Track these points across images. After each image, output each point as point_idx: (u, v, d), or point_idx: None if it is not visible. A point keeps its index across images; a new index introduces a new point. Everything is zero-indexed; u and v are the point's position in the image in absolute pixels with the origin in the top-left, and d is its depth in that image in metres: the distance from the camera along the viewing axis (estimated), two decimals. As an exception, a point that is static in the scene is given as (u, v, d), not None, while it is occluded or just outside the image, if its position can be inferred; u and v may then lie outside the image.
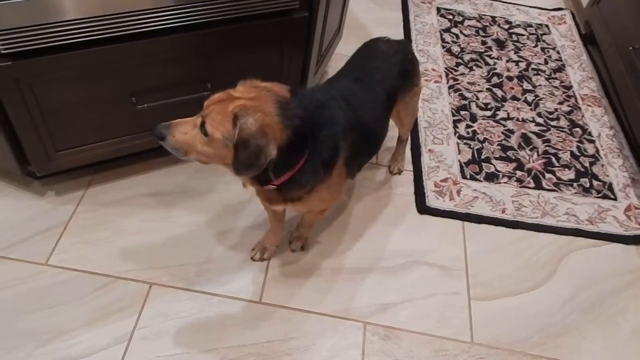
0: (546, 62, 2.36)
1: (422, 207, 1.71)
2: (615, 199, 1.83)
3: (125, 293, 1.39)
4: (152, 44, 1.32)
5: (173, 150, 1.11)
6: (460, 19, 2.54)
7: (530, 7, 2.68)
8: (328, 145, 1.15)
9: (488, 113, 2.08)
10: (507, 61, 2.34)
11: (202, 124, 1.04)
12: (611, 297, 1.56)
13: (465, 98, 2.13)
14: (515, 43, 2.44)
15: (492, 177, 1.83)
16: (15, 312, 1.32)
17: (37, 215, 1.52)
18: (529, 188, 1.82)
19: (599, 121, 2.12)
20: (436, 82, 2.19)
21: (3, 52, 1.16)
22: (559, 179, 1.87)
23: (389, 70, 1.41)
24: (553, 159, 1.93)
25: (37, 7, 1.13)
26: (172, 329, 1.34)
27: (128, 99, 1.41)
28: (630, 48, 1.98)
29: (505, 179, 1.83)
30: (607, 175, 1.90)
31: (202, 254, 1.50)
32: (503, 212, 1.73)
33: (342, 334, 1.39)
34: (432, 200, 1.73)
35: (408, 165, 1.84)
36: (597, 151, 1.99)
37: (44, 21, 1.16)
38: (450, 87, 2.17)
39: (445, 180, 1.80)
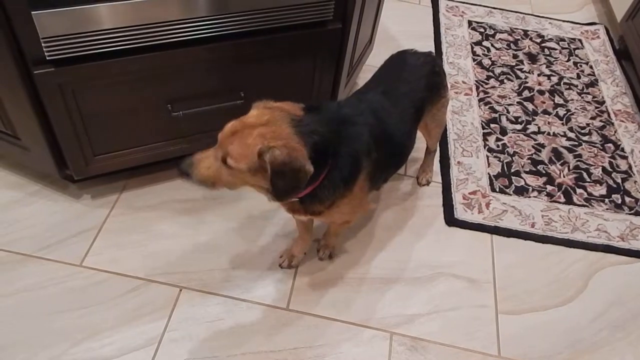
0: (579, 77, 2.34)
1: (450, 219, 1.70)
2: (648, 216, 1.79)
3: (157, 296, 1.42)
4: (188, 53, 1.36)
5: (199, 185, 1.11)
6: (492, 32, 2.54)
7: (563, 21, 2.66)
8: (349, 162, 1.14)
9: (518, 127, 2.06)
10: (539, 75, 2.32)
11: (224, 159, 1.05)
12: (643, 315, 1.53)
13: (495, 111, 2.11)
14: (547, 57, 2.42)
15: (521, 191, 1.81)
16: (50, 311, 1.37)
17: (72, 217, 1.57)
18: (559, 203, 1.79)
19: (632, 137, 2.08)
20: (466, 94, 2.18)
21: (47, 58, 1.21)
22: (590, 194, 1.84)
23: (416, 83, 1.42)
24: (584, 174, 1.90)
25: (80, 16, 1.18)
26: (201, 332, 1.36)
27: (164, 106, 1.45)
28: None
29: (535, 193, 1.81)
30: (641, 192, 1.87)
31: (232, 260, 1.52)
32: (532, 226, 1.71)
33: (368, 343, 1.39)
34: (460, 213, 1.72)
35: (436, 177, 1.84)
36: (630, 167, 1.95)
37: (86, 29, 1.20)
38: (480, 100, 2.16)
39: (474, 192, 1.79)
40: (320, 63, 1.57)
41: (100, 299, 1.40)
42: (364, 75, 2.03)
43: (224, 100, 1.50)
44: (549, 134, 2.05)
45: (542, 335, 1.45)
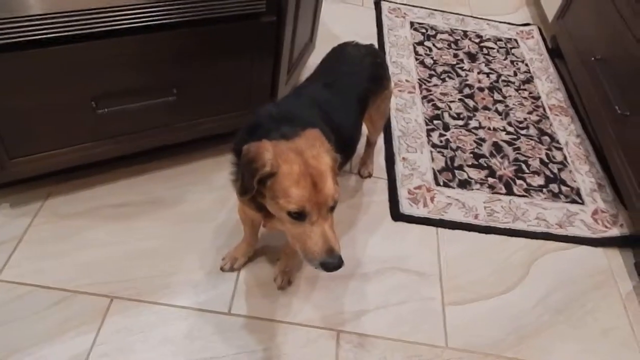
0: (515, 74, 2.40)
1: (397, 214, 1.68)
2: (582, 203, 1.84)
3: (84, 308, 1.31)
4: (112, 45, 1.27)
5: None
6: (433, 32, 2.57)
7: (500, 22, 2.74)
8: None
9: (460, 122, 2.08)
10: (479, 73, 2.37)
11: (333, 207, 1.03)
12: (581, 298, 1.56)
13: (438, 108, 2.13)
14: (486, 56, 2.48)
15: (464, 184, 1.82)
16: (-37, 330, 1.24)
17: (-11, 229, 1.44)
18: (501, 194, 1.81)
19: (566, 129, 2.15)
20: (410, 92, 2.19)
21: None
22: (529, 185, 1.87)
23: (359, 75, 1.39)
24: (523, 166, 1.94)
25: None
26: (136, 344, 1.27)
27: (88, 103, 1.35)
28: (593, 59, 2.02)
29: (478, 186, 1.83)
30: (575, 181, 1.92)
31: (170, 266, 1.43)
32: (476, 217, 1.72)
33: (314, 343, 1.33)
34: (406, 207, 1.70)
35: (382, 173, 1.82)
36: (565, 158, 2.01)
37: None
38: (423, 98, 2.17)
39: (419, 187, 1.78)
40: (258, 58, 1.52)
41: (21, 314, 1.28)
42: (308, 74, 2.00)
43: (154, 96, 1.42)
44: (489, 128, 2.08)
45: (487, 324, 1.44)
